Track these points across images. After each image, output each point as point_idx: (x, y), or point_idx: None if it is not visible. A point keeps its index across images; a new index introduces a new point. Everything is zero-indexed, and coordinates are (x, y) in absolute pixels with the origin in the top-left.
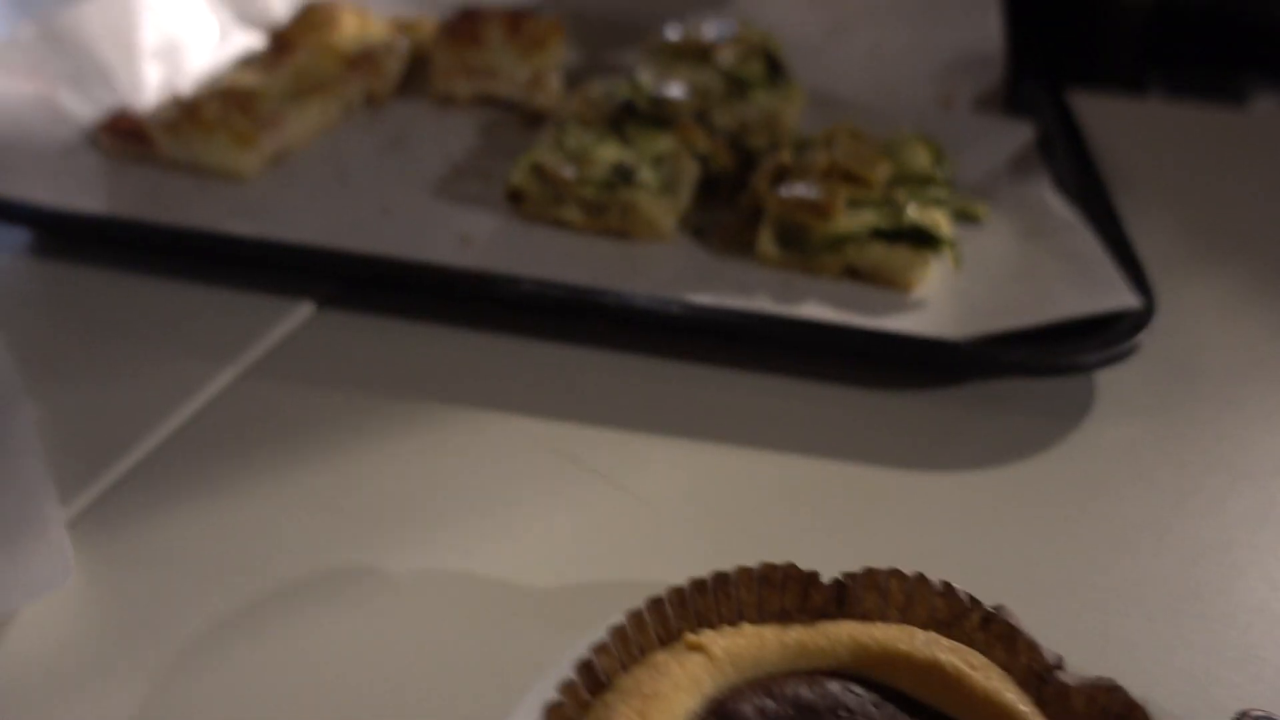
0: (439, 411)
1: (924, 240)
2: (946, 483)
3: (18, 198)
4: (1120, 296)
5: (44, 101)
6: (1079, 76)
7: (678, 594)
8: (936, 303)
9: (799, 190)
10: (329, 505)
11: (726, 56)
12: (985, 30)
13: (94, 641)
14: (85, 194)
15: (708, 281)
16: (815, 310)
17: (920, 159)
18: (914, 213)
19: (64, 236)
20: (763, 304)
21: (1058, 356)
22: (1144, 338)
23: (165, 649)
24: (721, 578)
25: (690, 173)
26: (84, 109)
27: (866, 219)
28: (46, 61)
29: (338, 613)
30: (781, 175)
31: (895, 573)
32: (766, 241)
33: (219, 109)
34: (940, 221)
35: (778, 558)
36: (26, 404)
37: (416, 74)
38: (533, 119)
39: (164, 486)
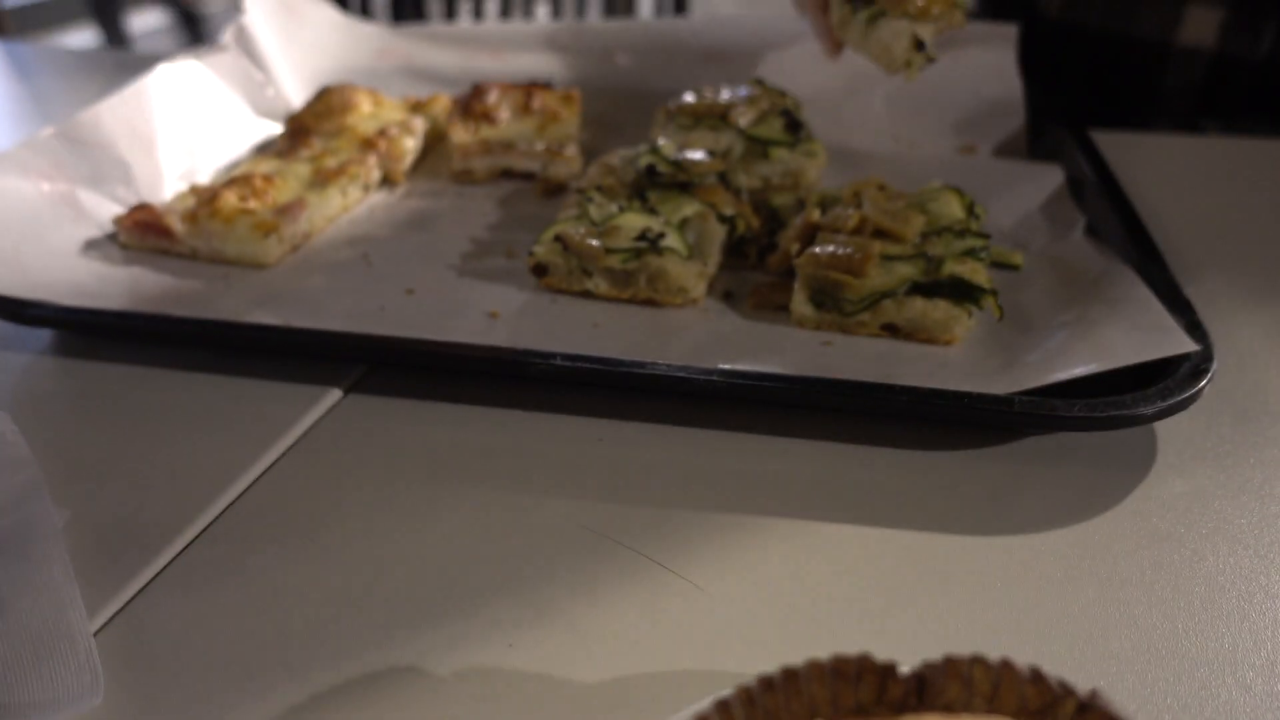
0: (473, 494)
1: (964, 293)
2: (1013, 546)
3: (38, 299)
4: (1177, 342)
5: (65, 200)
6: (1127, 123)
7: (745, 694)
8: (982, 356)
9: (831, 248)
10: (364, 598)
11: (745, 117)
12: (1003, 77)
13: None
14: (108, 290)
15: (743, 346)
16: (858, 370)
17: (952, 209)
18: (951, 265)
19: (87, 334)
20: (802, 367)
21: (1118, 409)
22: (1207, 383)
23: None
24: (791, 674)
25: (717, 235)
26: (104, 205)
27: (903, 274)
28: (65, 161)
29: (378, 716)
30: (811, 234)
31: (979, 660)
32: (801, 302)
33: (238, 198)
34: (979, 272)
35: (843, 638)
36: (53, 511)
37: (433, 152)
38: (553, 190)
39: (194, 587)
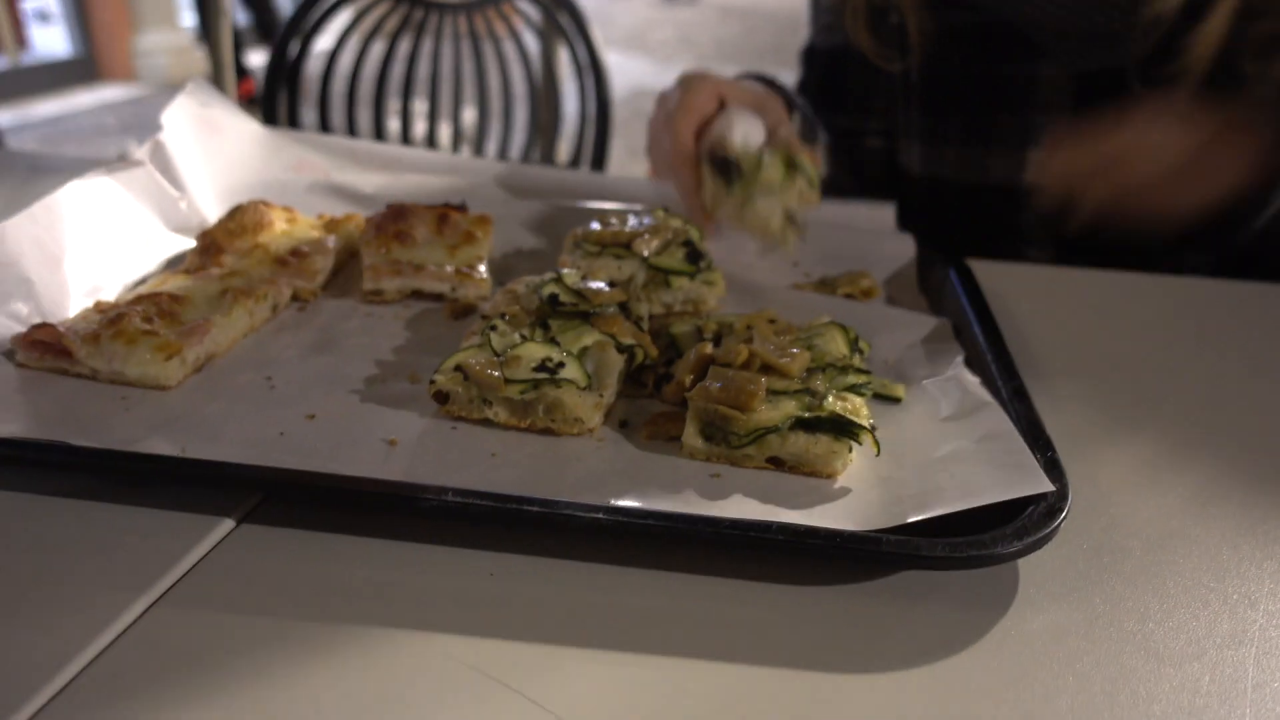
0: (361, 633)
1: (844, 429)
2: (881, 684)
3: None
4: (1036, 481)
5: None
6: (1001, 255)
7: None
8: (861, 490)
9: (720, 384)
10: None
11: (649, 246)
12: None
13: None
14: (0, 411)
15: (635, 478)
16: (742, 504)
17: (837, 345)
18: (833, 402)
19: None
20: (690, 501)
21: (978, 549)
22: (1061, 522)
23: None
24: None
25: (615, 365)
26: (2, 324)
27: (787, 409)
28: None
29: None
30: (705, 366)
31: None
32: (691, 435)
33: (143, 319)
34: (860, 408)
35: None
36: None
37: (345, 270)
38: (461, 311)
39: None
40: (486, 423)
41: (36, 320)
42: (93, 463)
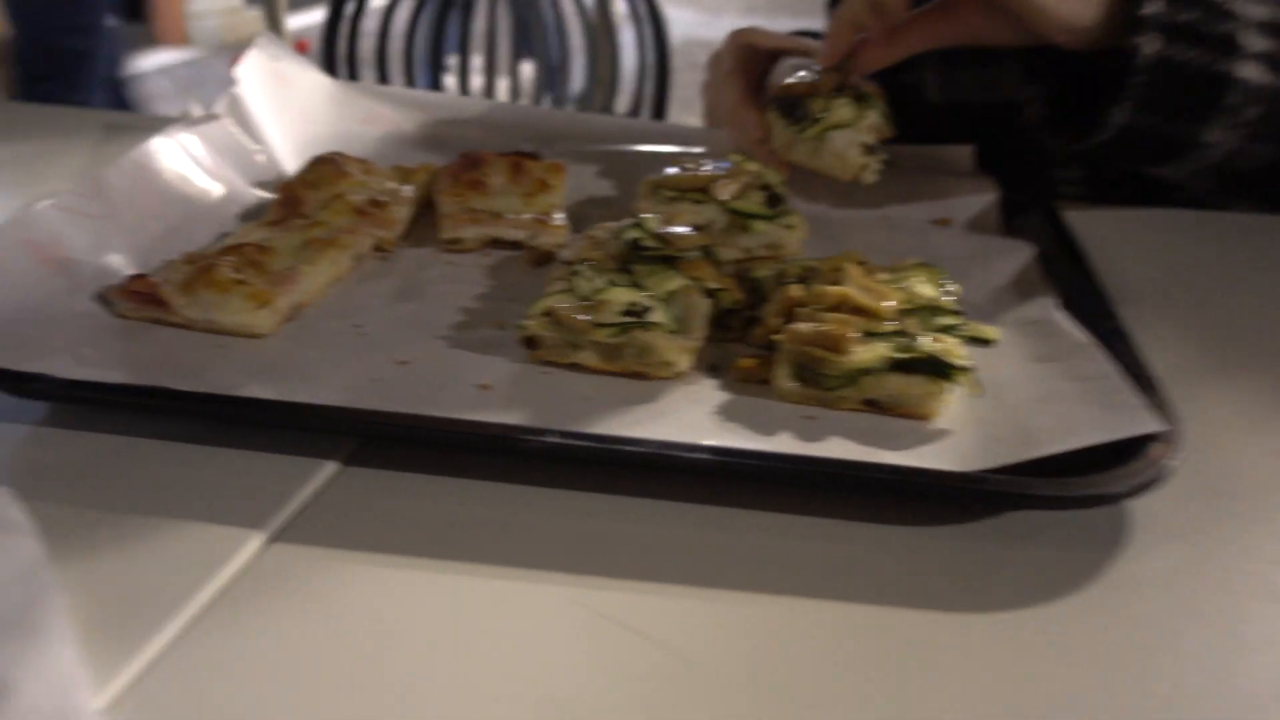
0: (473, 571)
1: (940, 370)
2: (988, 624)
3: (37, 372)
4: (1143, 422)
5: (61, 270)
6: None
7: None
8: (960, 432)
9: (812, 325)
10: (363, 679)
11: (727, 190)
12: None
13: None
14: (105, 360)
15: (729, 420)
16: (839, 446)
17: (928, 286)
18: (927, 342)
19: (85, 407)
20: (786, 442)
21: (1086, 489)
22: (1174, 461)
23: None
24: None
25: (702, 309)
26: (100, 275)
27: (881, 351)
28: (62, 231)
29: None
30: (793, 309)
31: None
32: (783, 378)
33: (233, 269)
34: (955, 349)
35: (824, 711)
36: (56, 588)
37: (422, 221)
38: (540, 259)
39: (199, 666)
40: (576, 367)
41: (130, 271)
42: (199, 408)
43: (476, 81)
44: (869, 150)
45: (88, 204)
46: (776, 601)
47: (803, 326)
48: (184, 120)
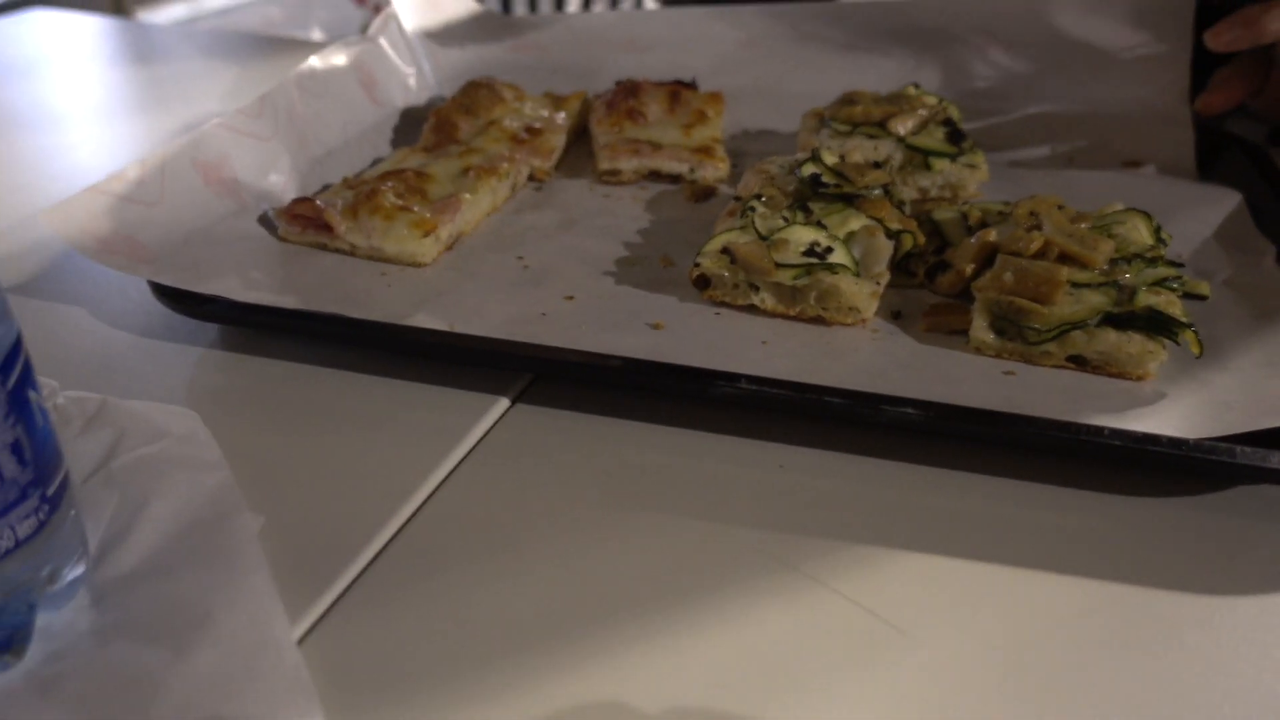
0: (654, 516)
1: (1160, 326)
2: (1237, 608)
3: (212, 294)
4: None
5: (228, 192)
6: None
7: None
8: (1178, 395)
9: (1014, 273)
10: (555, 620)
11: (905, 125)
12: (1171, 87)
13: None
14: (271, 283)
15: (919, 372)
16: (1044, 404)
17: (1140, 234)
18: (1145, 295)
19: (258, 330)
20: (986, 398)
21: None
22: None
23: None
24: None
25: (885, 252)
26: (264, 197)
27: (1093, 303)
28: (229, 153)
29: None
30: (988, 255)
31: None
32: (981, 329)
33: (395, 194)
34: (1173, 304)
35: (1061, 693)
36: (249, 517)
37: (573, 150)
38: (700, 194)
39: (385, 600)
40: (751, 309)
41: (292, 194)
42: (375, 337)
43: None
44: None
45: (253, 125)
46: (991, 570)
47: (1004, 274)
48: (342, 41)
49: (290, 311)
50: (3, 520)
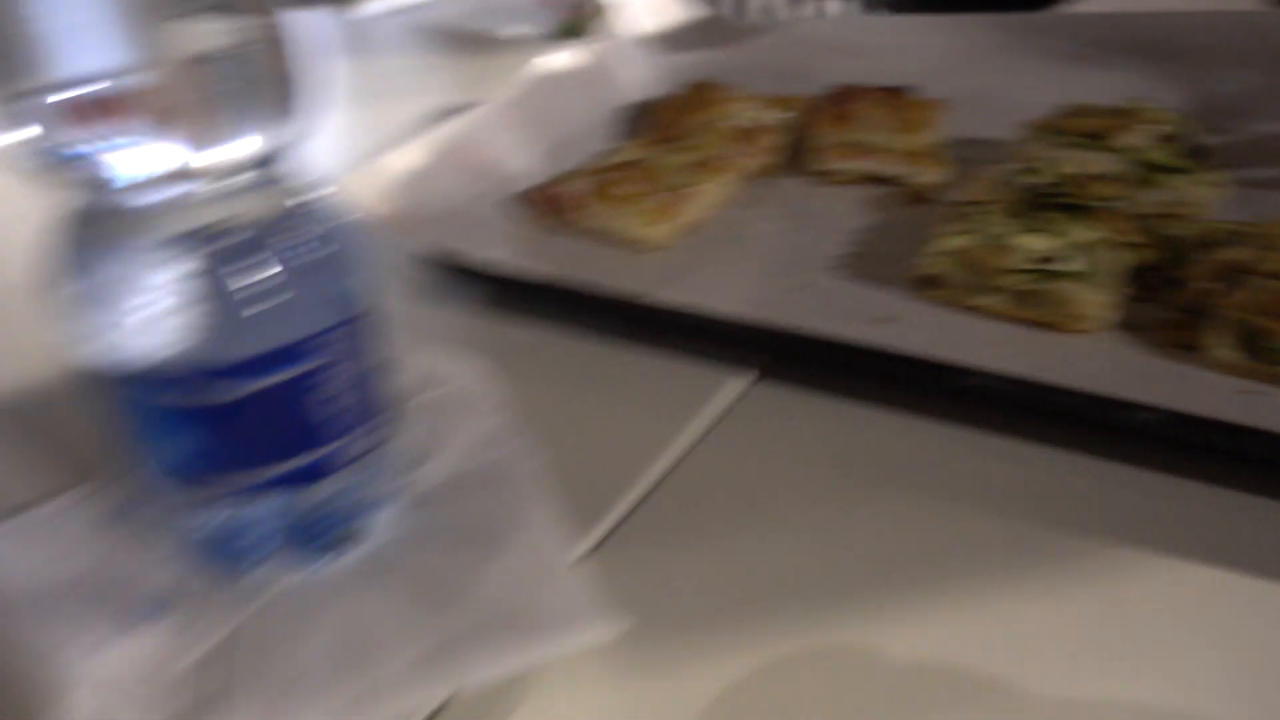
0: (906, 502)
1: None
2: None
3: (481, 259)
4: None
5: (481, 173)
6: None
7: None
8: None
9: (1262, 293)
10: (802, 579)
11: (1134, 138)
12: None
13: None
14: (525, 257)
15: (1155, 384)
16: None
17: None
18: None
19: (516, 295)
20: (1232, 416)
21: None
22: None
23: None
24: None
25: (1120, 264)
26: (508, 180)
27: None
28: (483, 138)
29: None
30: (1228, 273)
31: None
32: (1222, 347)
33: (631, 184)
34: None
35: None
36: (530, 457)
37: (792, 151)
38: (916, 198)
39: (642, 544)
40: (974, 310)
41: (532, 178)
42: (626, 307)
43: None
44: None
45: (505, 113)
46: (1244, 582)
47: (1250, 293)
48: (574, 42)
49: (550, 283)
50: (352, 437)
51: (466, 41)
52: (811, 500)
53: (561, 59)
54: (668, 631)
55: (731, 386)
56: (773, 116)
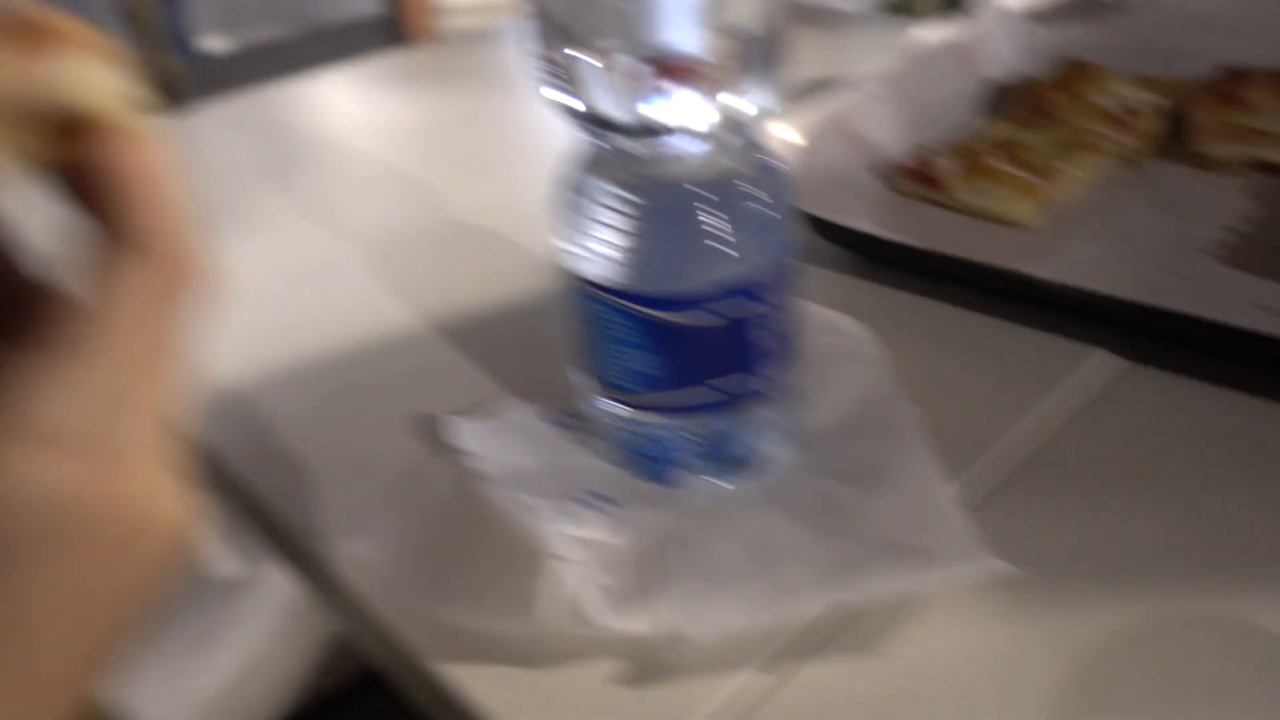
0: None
1: None
2: None
3: (845, 224)
4: None
5: (855, 146)
6: None
7: None
8: None
9: None
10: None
11: None
12: None
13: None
14: (892, 225)
15: None
16: None
17: None
18: None
19: (880, 261)
20: None
21: None
22: None
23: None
24: None
25: None
26: (876, 152)
27: None
28: (859, 113)
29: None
30: None
31: None
32: None
33: (1003, 161)
34: None
35: None
36: (911, 405)
37: (1169, 134)
38: None
39: (1013, 511)
40: None
41: (900, 153)
42: (992, 279)
43: None
44: None
45: (879, 90)
46: None
47: None
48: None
49: (927, 251)
50: (769, 372)
51: (813, 16)
52: (1188, 480)
53: (938, 34)
54: (1046, 584)
55: (1095, 364)
56: (1147, 99)
